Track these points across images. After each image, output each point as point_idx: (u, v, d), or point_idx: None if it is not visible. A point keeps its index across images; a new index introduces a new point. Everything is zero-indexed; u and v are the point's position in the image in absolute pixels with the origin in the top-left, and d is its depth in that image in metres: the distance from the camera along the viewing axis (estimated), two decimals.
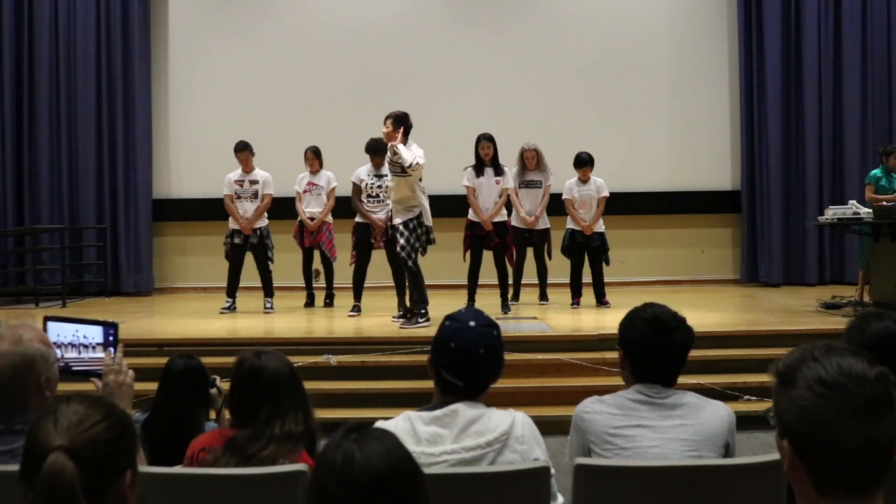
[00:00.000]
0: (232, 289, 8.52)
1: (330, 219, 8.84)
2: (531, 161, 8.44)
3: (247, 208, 8.42)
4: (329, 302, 8.96)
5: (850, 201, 8.27)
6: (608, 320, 7.16)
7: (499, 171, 8.04)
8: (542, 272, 8.77)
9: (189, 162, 10.91)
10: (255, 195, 8.43)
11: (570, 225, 8.53)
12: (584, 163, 8.49)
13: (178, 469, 2.59)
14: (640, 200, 10.61)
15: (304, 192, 8.79)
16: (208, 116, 10.87)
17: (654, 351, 2.56)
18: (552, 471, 2.34)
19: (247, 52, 11.00)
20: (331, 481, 1.40)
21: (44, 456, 1.49)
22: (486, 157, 7.99)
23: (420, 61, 10.93)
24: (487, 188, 7.99)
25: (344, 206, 8.59)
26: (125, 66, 10.79)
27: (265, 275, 8.55)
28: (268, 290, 8.57)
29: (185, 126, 11.02)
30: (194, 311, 8.77)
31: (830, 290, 9.21)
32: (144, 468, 2.42)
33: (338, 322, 7.98)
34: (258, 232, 8.44)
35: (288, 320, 8.06)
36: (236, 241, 8.43)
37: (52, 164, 10.80)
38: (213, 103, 10.93)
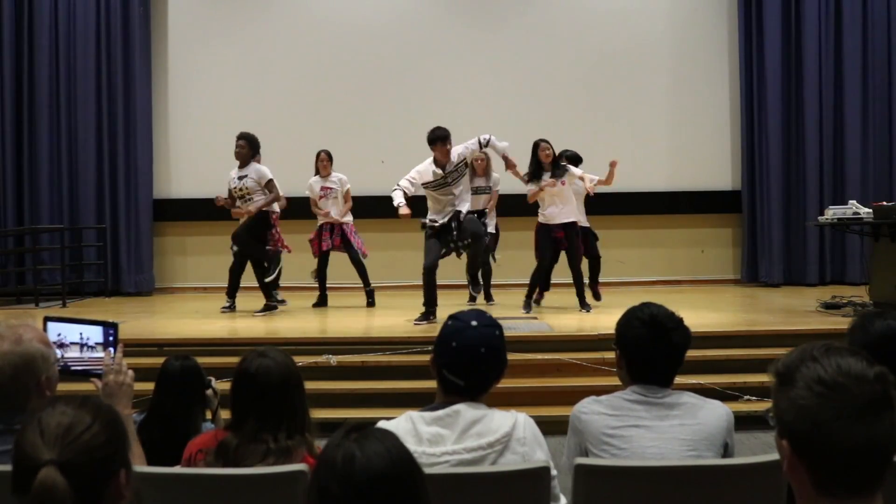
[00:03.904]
0: (232, 289, 8.48)
1: (350, 218, 8.83)
2: (480, 166, 8.45)
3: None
4: (371, 301, 8.85)
5: (850, 201, 8.27)
6: (608, 320, 7.13)
7: (560, 171, 8.03)
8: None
9: (189, 162, 10.91)
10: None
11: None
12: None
13: (176, 469, 2.59)
14: (640, 200, 10.61)
15: (321, 197, 8.76)
16: (209, 116, 10.87)
17: (652, 351, 2.56)
18: (554, 472, 2.34)
19: (247, 52, 11.01)
20: (331, 481, 1.40)
21: (34, 471, 1.46)
22: (546, 160, 7.99)
23: (420, 61, 10.94)
24: (552, 190, 7.99)
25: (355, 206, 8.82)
26: (125, 66, 10.80)
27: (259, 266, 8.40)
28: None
29: (185, 126, 11.03)
30: (194, 311, 8.76)
31: (831, 290, 9.22)
32: (143, 468, 2.43)
33: (338, 322, 7.98)
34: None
35: (288, 320, 8.05)
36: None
37: (52, 164, 10.80)
38: (213, 103, 10.93)
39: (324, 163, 8.81)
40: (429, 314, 7.33)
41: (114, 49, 10.81)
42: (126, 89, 10.80)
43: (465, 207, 7.38)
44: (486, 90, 10.81)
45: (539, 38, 10.96)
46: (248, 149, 8.14)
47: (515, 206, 8.76)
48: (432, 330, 6.14)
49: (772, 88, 10.59)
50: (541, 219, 8.07)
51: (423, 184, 7.36)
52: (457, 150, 7.36)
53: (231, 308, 8.44)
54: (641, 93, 10.93)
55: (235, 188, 8.12)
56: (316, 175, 8.83)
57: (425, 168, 7.37)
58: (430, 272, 7.31)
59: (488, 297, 8.83)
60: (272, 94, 10.93)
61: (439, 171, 7.29)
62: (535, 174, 7.98)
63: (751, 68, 10.71)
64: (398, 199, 7.23)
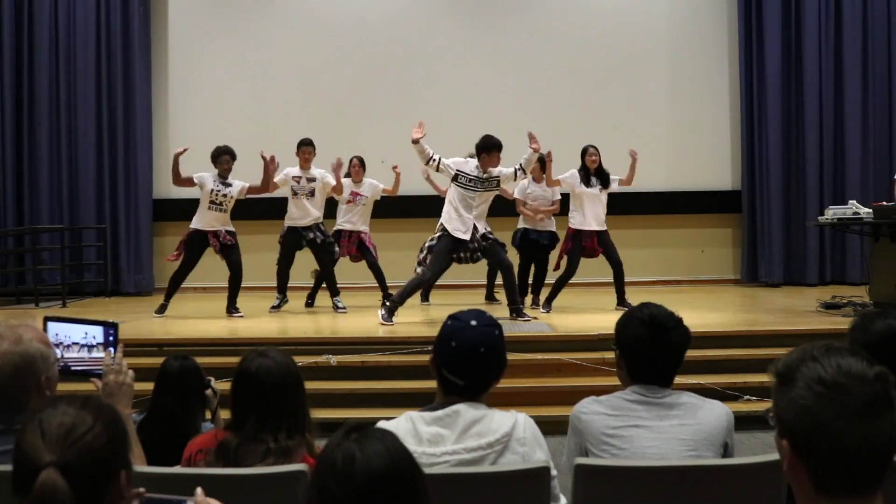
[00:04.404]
0: (282, 284, 8.51)
1: (367, 227, 8.82)
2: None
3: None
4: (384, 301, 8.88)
5: (850, 201, 8.26)
6: (608, 320, 7.13)
7: (605, 179, 8.17)
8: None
9: (189, 162, 10.81)
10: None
11: (522, 224, 8.59)
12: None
13: (177, 469, 2.59)
14: (640, 200, 10.59)
15: (348, 202, 8.69)
16: (209, 116, 10.87)
17: (652, 351, 2.56)
18: (554, 472, 2.34)
19: (247, 52, 11.01)
20: (331, 481, 1.40)
21: (35, 472, 1.45)
22: (591, 166, 8.06)
23: (420, 61, 10.94)
24: (591, 197, 8.08)
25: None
26: (125, 66, 10.81)
27: (329, 274, 8.49)
28: (333, 288, 8.52)
29: (185, 126, 11.02)
30: (194, 311, 8.76)
31: (831, 290, 9.22)
32: (143, 468, 2.43)
33: (338, 322, 7.98)
34: (319, 229, 8.38)
35: (288, 320, 8.06)
36: (306, 240, 8.37)
37: (52, 164, 10.81)
38: (213, 103, 10.93)
39: (356, 168, 8.77)
40: (392, 309, 7.27)
41: (114, 49, 10.81)
42: (126, 89, 10.80)
43: (481, 225, 7.36)
44: (486, 91, 10.81)
45: (539, 38, 10.96)
46: (233, 162, 8.36)
47: (506, 207, 8.70)
48: (432, 330, 6.14)
49: (772, 88, 10.59)
50: (573, 223, 8.06)
51: (459, 171, 7.28)
52: (500, 167, 7.38)
53: (281, 304, 8.52)
54: (641, 93, 10.93)
55: (217, 192, 8.21)
56: (347, 178, 8.74)
57: (467, 161, 7.36)
58: (422, 281, 7.36)
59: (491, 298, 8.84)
60: (272, 95, 10.93)
61: (482, 173, 7.27)
62: (587, 180, 8.07)
63: (751, 68, 10.70)
64: (427, 149, 7.19)
